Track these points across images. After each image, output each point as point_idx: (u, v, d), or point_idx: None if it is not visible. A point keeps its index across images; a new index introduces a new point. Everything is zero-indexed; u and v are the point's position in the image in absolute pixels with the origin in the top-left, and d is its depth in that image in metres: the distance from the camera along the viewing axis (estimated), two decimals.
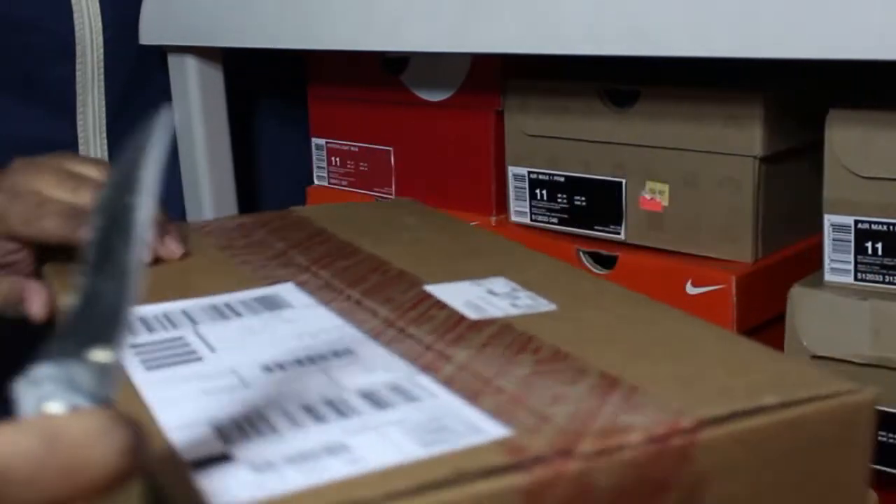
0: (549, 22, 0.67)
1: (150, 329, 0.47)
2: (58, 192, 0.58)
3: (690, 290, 0.72)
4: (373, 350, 0.43)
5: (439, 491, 0.30)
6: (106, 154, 0.93)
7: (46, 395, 0.27)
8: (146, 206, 0.32)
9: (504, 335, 0.44)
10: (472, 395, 0.37)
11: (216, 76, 0.99)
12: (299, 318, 0.48)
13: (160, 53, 0.97)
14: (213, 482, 0.32)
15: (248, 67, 1.03)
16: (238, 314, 0.49)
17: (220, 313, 0.49)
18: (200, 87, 0.97)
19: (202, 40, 0.93)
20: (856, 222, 0.65)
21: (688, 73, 0.77)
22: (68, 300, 0.48)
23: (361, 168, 0.98)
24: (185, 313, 0.49)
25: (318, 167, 1.03)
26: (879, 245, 0.64)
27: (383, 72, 0.92)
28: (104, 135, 0.93)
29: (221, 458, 0.33)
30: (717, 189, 0.73)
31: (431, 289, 0.51)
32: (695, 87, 0.73)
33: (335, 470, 0.32)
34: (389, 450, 0.33)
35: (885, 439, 0.65)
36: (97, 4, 0.89)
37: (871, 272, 0.65)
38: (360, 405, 0.37)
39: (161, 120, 0.33)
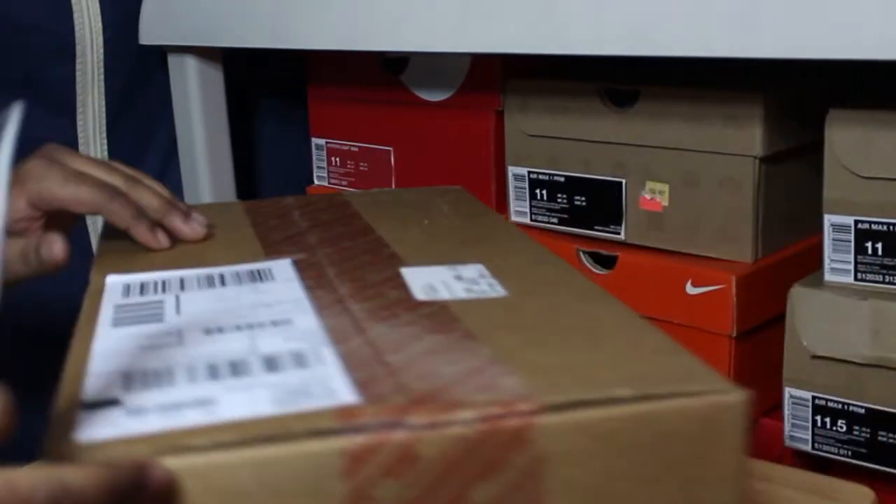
0: (549, 22, 0.67)
1: (142, 293, 0.50)
2: (94, 171, 0.62)
3: (690, 290, 0.72)
4: (307, 322, 0.45)
5: (265, 446, 0.33)
6: (106, 154, 0.93)
7: None
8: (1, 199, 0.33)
9: (435, 317, 0.46)
10: (355, 366, 0.39)
11: (216, 76, 0.99)
12: (270, 291, 0.50)
13: (160, 53, 0.97)
14: (89, 420, 0.35)
15: (248, 67, 1.03)
16: (224, 284, 0.51)
17: (209, 282, 0.52)
18: (200, 87, 0.97)
19: (202, 40, 0.93)
20: (856, 222, 0.65)
21: (688, 73, 0.77)
22: (110, 280, 0.51)
23: (361, 168, 0.98)
24: (181, 281, 0.52)
25: (318, 167, 1.03)
26: (879, 245, 0.64)
27: (383, 72, 0.92)
28: (104, 135, 0.93)
29: (111, 403, 0.36)
30: (717, 189, 0.73)
31: (405, 271, 0.53)
32: (695, 88, 0.73)
33: (191, 419, 0.35)
34: (246, 407, 0.35)
35: (885, 439, 0.65)
36: (97, 4, 0.89)
37: (870, 272, 0.65)
38: (256, 368, 0.39)
39: (10, 117, 0.34)
